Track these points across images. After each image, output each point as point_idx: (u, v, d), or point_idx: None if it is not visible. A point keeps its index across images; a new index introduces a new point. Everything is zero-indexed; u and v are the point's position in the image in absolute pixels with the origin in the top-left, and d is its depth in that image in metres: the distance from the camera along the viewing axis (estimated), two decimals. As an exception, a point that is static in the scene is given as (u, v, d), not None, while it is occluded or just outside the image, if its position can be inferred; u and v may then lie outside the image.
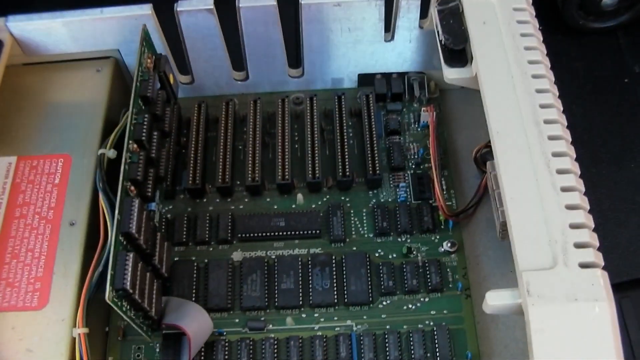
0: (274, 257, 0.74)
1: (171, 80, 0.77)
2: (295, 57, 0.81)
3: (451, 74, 0.71)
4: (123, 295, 0.61)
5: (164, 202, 0.78)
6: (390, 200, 0.77)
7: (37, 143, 0.73)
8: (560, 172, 0.61)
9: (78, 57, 0.78)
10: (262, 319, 0.71)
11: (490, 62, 0.67)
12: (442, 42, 0.71)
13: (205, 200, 0.78)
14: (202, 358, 0.68)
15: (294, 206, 0.77)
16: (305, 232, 0.74)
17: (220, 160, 0.77)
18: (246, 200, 0.78)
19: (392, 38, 0.79)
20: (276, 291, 0.71)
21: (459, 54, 0.71)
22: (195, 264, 0.73)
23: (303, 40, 0.78)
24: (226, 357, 0.68)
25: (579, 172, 0.63)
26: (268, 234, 0.74)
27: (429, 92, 0.82)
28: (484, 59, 0.67)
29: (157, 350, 0.69)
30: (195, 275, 0.72)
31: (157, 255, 0.68)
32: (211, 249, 0.75)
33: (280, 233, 0.74)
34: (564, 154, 0.62)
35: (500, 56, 0.67)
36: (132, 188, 0.67)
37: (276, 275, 0.72)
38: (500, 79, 0.66)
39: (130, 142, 0.67)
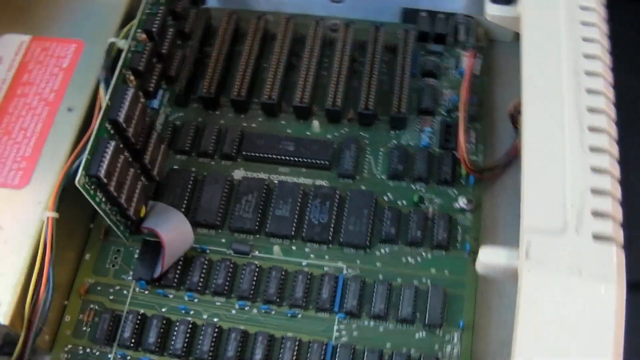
0: (276, 181, 0.69)
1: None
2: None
3: (493, 10, 0.64)
4: (97, 183, 0.58)
5: (175, 107, 0.74)
6: (412, 144, 0.71)
7: (54, 25, 0.70)
8: (592, 129, 0.55)
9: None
10: (250, 243, 0.66)
11: (537, 2, 0.60)
12: (491, -25, 0.65)
13: (218, 112, 0.74)
14: (178, 272, 0.65)
15: (308, 133, 0.72)
16: (314, 160, 0.69)
17: (240, 73, 0.73)
18: (260, 119, 0.73)
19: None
20: (269, 217, 0.67)
21: (502, -11, 0.64)
22: (193, 175, 0.69)
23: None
24: (202, 276, 0.64)
25: (616, 137, 0.56)
26: (274, 156, 0.69)
27: (477, 39, 0.76)
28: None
29: (136, 256, 0.66)
30: (190, 186, 0.68)
31: (149, 155, 0.64)
32: (213, 163, 0.71)
33: (287, 158, 0.69)
34: (600, 111, 0.55)
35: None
36: (132, 78, 0.63)
37: (273, 200, 0.67)
38: (544, 22, 0.59)
39: (139, 30, 0.64)
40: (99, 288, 0.66)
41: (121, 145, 0.61)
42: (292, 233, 0.66)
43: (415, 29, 0.75)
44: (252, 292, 0.63)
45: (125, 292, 0.65)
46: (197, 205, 0.67)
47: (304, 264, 0.65)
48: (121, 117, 0.59)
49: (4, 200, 0.61)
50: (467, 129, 0.67)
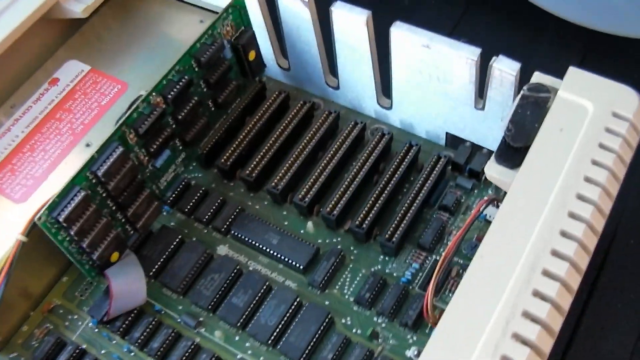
0: (250, 268, 0.70)
1: (250, 57, 0.74)
2: (387, 85, 0.74)
3: (492, 170, 0.59)
4: (57, 225, 0.62)
5: (197, 168, 0.77)
6: (395, 275, 0.68)
7: (113, 62, 0.76)
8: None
9: (194, 2, 0.78)
10: (200, 319, 0.68)
11: (536, 175, 0.55)
12: (504, 131, 0.60)
13: (232, 184, 0.76)
14: (127, 322, 0.67)
15: (302, 231, 0.71)
16: (290, 261, 0.69)
17: (261, 153, 0.74)
18: (265, 202, 0.74)
19: (483, 108, 0.68)
20: (225, 301, 0.67)
21: (514, 152, 0.59)
22: (180, 236, 0.71)
23: (392, 71, 0.71)
24: (145, 334, 0.66)
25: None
26: (257, 244, 0.70)
27: (509, 187, 0.71)
28: (532, 170, 0.56)
29: (102, 293, 0.69)
30: (172, 247, 0.71)
31: (133, 209, 0.67)
32: (205, 231, 0.73)
33: (268, 250, 0.69)
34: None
35: (552, 173, 0.55)
36: (132, 136, 0.66)
37: (235, 287, 0.68)
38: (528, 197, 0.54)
39: (154, 94, 0.67)
40: (61, 311, 0.70)
41: (102, 195, 0.65)
42: (238, 323, 0.66)
43: (448, 156, 0.72)
44: (179, 366, 0.65)
45: (80, 323, 0.69)
46: (169, 268, 0.70)
47: (238, 356, 0.65)
48: (101, 171, 0.63)
49: (1, 208, 0.67)
50: (440, 281, 0.63)
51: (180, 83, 0.68)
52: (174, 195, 0.74)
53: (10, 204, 0.68)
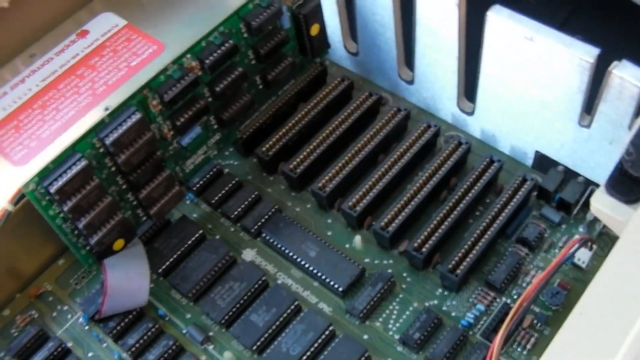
0: (279, 281, 0.58)
1: (313, 31, 0.62)
2: (471, 85, 0.61)
3: (601, 203, 0.46)
4: (48, 197, 0.51)
5: (233, 154, 0.65)
6: (453, 314, 0.55)
7: (153, 19, 0.64)
8: None
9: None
10: (210, 334, 0.56)
11: None
12: (621, 158, 0.47)
13: (271, 179, 0.64)
14: (122, 324, 0.56)
15: (347, 246, 0.59)
16: (328, 280, 0.56)
17: (310, 147, 0.62)
18: (308, 205, 0.62)
19: (589, 125, 0.55)
20: (242, 317, 0.55)
21: (632, 183, 0.46)
22: (201, 231, 0.60)
23: (481, 68, 0.58)
24: (141, 342, 0.55)
25: None
26: (291, 253, 0.58)
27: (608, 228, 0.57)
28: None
29: (98, 286, 0.58)
30: (189, 242, 0.59)
31: (148, 192, 0.56)
32: (232, 230, 0.61)
33: (303, 262, 0.57)
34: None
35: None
36: (156, 103, 0.55)
37: (257, 301, 0.56)
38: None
39: (189, 55, 0.55)
40: (51, 299, 0.59)
41: (111, 168, 0.54)
42: (254, 347, 0.54)
43: (536, 181, 0.59)
44: (175, 388, 0.53)
45: (69, 316, 0.58)
46: (182, 267, 0.58)
47: (248, 387, 0.53)
48: (110, 139, 0.52)
49: None
50: (512, 332, 0.50)
51: (223, 47, 0.56)
52: (200, 183, 0.63)
53: (7, 165, 0.57)
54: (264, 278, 0.57)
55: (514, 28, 0.54)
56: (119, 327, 0.56)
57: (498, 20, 0.54)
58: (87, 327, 0.57)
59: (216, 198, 0.62)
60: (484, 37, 0.56)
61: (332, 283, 0.56)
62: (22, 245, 0.60)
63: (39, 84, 0.62)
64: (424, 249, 0.56)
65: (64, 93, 0.60)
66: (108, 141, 0.52)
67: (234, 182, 0.62)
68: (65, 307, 0.59)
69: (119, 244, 0.57)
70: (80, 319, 0.58)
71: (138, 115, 0.53)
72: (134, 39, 0.63)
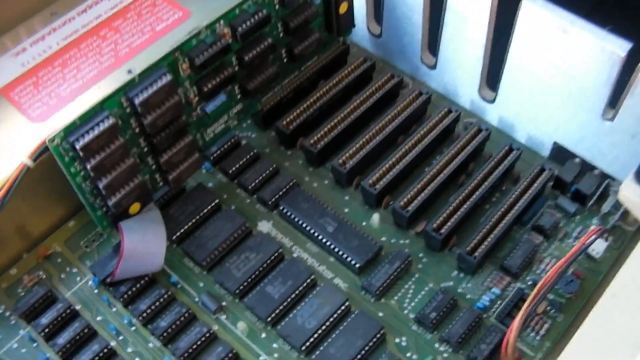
0: (295, 255, 0.57)
1: (341, 9, 0.62)
2: (494, 74, 0.62)
3: (630, 191, 0.47)
4: (72, 153, 0.50)
5: (252, 126, 0.65)
6: (468, 297, 0.55)
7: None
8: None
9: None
10: (223, 303, 0.55)
11: None
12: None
13: (289, 153, 0.63)
14: (133, 290, 0.55)
15: (364, 223, 0.59)
16: (346, 256, 0.56)
17: (331, 124, 0.62)
18: (326, 181, 0.61)
19: (612, 119, 0.56)
20: (257, 288, 0.55)
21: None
22: (217, 200, 0.59)
23: (507, 56, 0.58)
24: (152, 308, 0.54)
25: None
26: (308, 227, 0.58)
27: (624, 220, 0.58)
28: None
29: (111, 249, 0.57)
30: (205, 211, 0.59)
31: (168, 157, 0.55)
32: (248, 201, 0.61)
33: (321, 237, 0.57)
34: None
35: None
36: (185, 66, 0.54)
37: (273, 273, 0.55)
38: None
39: (222, 22, 0.55)
40: (59, 260, 0.58)
41: (135, 130, 0.53)
42: (268, 318, 0.53)
43: (553, 172, 0.59)
44: (187, 354, 0.52)
45: (78, 278, 0.57)
46: (197, 235, 0.57)
47: (261, 358, 0.53)
48: (139, 99, 0.51)
49: (12, 123, 0.55)
50: (528, 316, 0.51)
51: (256, 17, 0.55)
52: (219, 152, 0.62)
53: (26, 121, 0.56)
54: (280, 250, 0.56)
55: (548, 18, 0.54)
56: (130, 292, 0.55)
57: (532, 9, 0.54)
58: (96, 291, 0.57)
59: (233, 169, 0.61)
60: (515, 26, 0.56)
61: (349, 259, 0.56)
62: (33, 203, 0.59)
63: (60, 42, 0.61)
64: (442, 230, 0.56)
65: (85, 53, 0.59)
66: (137, 101, 0.51)
67: (252, 153, 0.62)
68: (74, 270, 0.58)
69: (135, 207, 0.56)
70: (90, 282, 0.57)
71: (169, 77, 0.52)
72: (159, 4, 0.63)
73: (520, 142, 0.64)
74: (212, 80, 0.56)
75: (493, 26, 0.59)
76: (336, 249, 0.56)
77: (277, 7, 0.58)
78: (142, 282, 0.55)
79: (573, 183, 0.59)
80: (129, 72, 0.57)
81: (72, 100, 0.56)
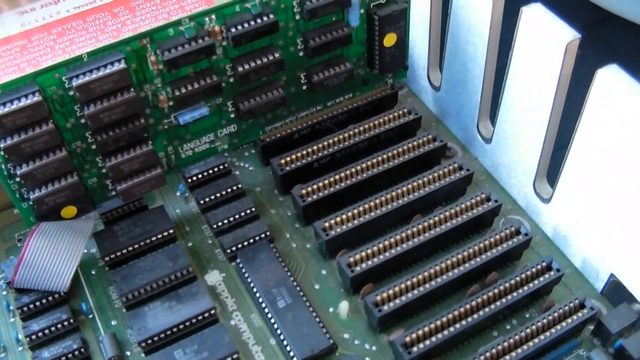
0: (232, 322, 0.46)
1: (387, 42, 0.50)
2: (556, 164, 0.47)
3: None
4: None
5: (252, 158, 0.54)
6: None
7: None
8: None
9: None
10: (127, 353, 0.44)
11: None
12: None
13: (281, 199, 0.52)
14: (36, 304, 0.46)
15: (330, 309, 0.46)
16: (287, 343, 0.43)
17: (336, 176, 0.49)
18: (307, 245, 0.49)
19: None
20: (166, 348, 0.43)
21: None
22: (171, 230, 0.49)
23: (572, 144, 0.43)
24: (46, 331, 0.44)
25: None
26: (258, 294, 0.45)
27: None
28: None
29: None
30: (152, 237, 0.48)
31: (116, 162, 0.45)
32: (209, 242, 0.50)
33: (267, 310, 0.45)
34: None
35: None
36: (153, 59, 0.44)
37: (192, 336, 0.44)
38: None
39: (213, 16, 0.45)
40: (-16, 244, 0.51)
41: (80, 120, 0.44)
42: None
43: (600, 313, 0.43)
44: None
45: (-9, 271, 0.49)
46: (130, 264, 0.47)
47: None
48: (77, 81, 0.42)
49: None
50: None
51: (258, 20, 0.45)
52: (198, 176, 0.52)
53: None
54: (213, 311, 0.45)
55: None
56: (31, 306, 0.46)
57: (611, 79, 0.40)
58: (4, 292, 0.48)
59: (207, 199, 0.50)
60: (588, 97, 0.42)
61: (288, 348, 0.43)
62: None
63: (70, 10, 0.53)
64: (415, 349, 0.42)
65: (87, 27, 0.51)
66: (75, 83, 0.42)
67: (236, 187, 0.51)
68: (-7, 261, 0.50)
69: (69, 210, 0.47)
70: (2, 281, 0.49)
71: (121, 65, 0.42)
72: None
73: (571, 261, 0.48)
74: (190, 85, 0.45)
75: (563, 96, 0.44)
76: (278, 331, 0.44)
77: (296, 17, 0.47)
78: (50, 298, 0.46)
79: (620, 336, 0.43)
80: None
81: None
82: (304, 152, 0.51)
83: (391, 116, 0.53)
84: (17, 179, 0.45)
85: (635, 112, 0.39)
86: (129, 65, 0.44)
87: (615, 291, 0.45)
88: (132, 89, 0.44)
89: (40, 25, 0.52)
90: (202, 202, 0.51)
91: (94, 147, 0.46)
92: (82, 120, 0.45)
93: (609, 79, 0.40)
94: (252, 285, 0.46)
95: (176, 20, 0.44)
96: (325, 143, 0.51)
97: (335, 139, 0.52)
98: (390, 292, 0.44)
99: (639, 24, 0.69)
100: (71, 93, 0.44)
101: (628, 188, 0.42)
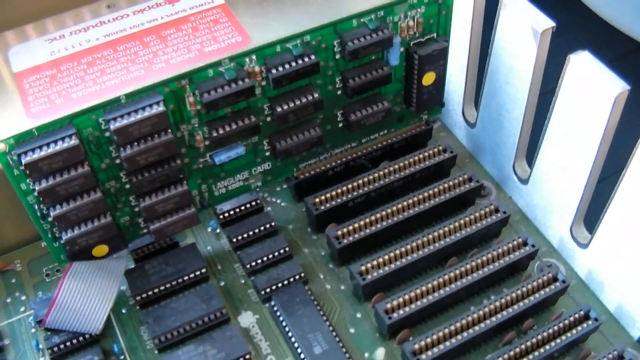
0: (266, 363, 0.45)
1: (426, 80, 0.49)
2: (596, 211, 0.46)
3: None
4: (21, 165, 0.41)
5: (283, 193, 0.53)
6: None
7: (256, 7, 0.53)
8: None
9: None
10: (158, 399, 0.44)
11: None
12: None
13: (314, 237, 0.51)
14: (67, 345, 0.45)
15: (365, 354, 0.45)
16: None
17: (371, 217, 0.49)
18: (342, 287, 0.48)
19: None
20: None
21: None
22: (204, 269, 0.48)
23: (616, 194, 0.43)
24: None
25: None
26: (293, 339, 0.45)
27: None
28: None
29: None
30: (184, 277, 0.48)
31: (150, 203, 0.44)
32: (242, 282, 0.49)
33: (302, 356, 0.44)
34: None
35: None
36: (192, 100, 0.43)
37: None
38: None
39: (253, 56, 0.44)
40: (13, 281, 0.50)
41: (115, 160, 0.43)
42: None
43: (638, 369, 0.43)
44: None
45: (22, 309, 0.49)
46: (163, 305, 0.46)
47: None
48: (116, 125, 0.41)
49: (7, 114, 0.47)
50: None
51: (300, 62, 0.44)
52: (231, 213, 0.51)
53: (22, 115, 0.47)
54: (248, 356, 0.44)
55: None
56: (62, 346, 0.45)
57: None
58: (33, 330, 0.47)
59: (240, 237, 0.50)
60: (634, 153, 0.41)
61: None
62: (8, 206, 0.50)
63: (100, 38, 0.52)
64: (455, 401, 0.41)
65: (118, 57, 0.50)
66: (113, 126, 0.41)
67: (269, 225, 0.50)
68: (23, 298, 0.49)
69: (101, 249, 0.46)
70: (31, 318, 0.48)
71: (161, 108, 0.42)
72: (223, 22, 0.53)
73: (607, 307, 0.48)
74: (227, 126, 0.45)
75: (607, 146, 0.43)
76: (309, 376, 0.44)
77: (337, 56, 0.46)
78: (81, 338, 0.46)
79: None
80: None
81: (79, 105, 0.47)
82: (339, 190, 0.50)
83: (426, 154, 0.52)
84: (50, 219, 0.44)
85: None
86: (167, 106, 0.44)
87: (654, 343, 0.45)
88: (170, 131, 0.43)
89: (70, 53, 0.51)
90: (234, 240, 0.50)
91: (127, 186, 0.46)
92: (117, 161, 0.44)
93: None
94: (287, 329, 0.45)
95: (216, 61, 0.44)
96: (360, 182, 0.51)
97: (370, 177, 0.51)
98: (428, 340, 0.43)
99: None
100: (107, 134, 0.43)
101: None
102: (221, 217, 0.51)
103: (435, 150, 0.53)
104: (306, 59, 0.44)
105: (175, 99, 0.44)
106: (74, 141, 0.41)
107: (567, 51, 0.43)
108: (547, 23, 0.44)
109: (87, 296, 0.44)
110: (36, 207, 0.44)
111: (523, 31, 0.45)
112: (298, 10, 0.50)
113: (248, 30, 0.51)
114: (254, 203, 0.51)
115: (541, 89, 0.48)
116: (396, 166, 0.52)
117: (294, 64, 0.44)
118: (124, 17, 0.54)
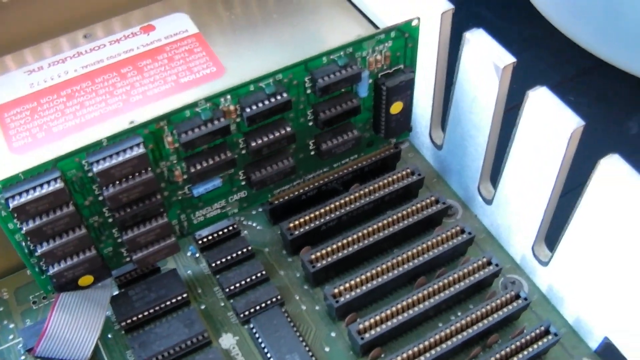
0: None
1: (394, 109, 0.51)
2: (556, 231, 0.49)
3: None
4: (8, 209, 0.43)
5: (259, 216, 0.56)
6: None
7: (229, 38, 0.55)
8: None
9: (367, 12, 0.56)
10: (145, 422, 0.46)
11: None
12: None
13: (290, 260, 0.54)
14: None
15: (341, 373, 0.48)
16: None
17: (344, 241, 0.51)
18: (317, 307, 0.51)
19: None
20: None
21: None
22: (185, 294, 0.50)
23: (575, 214, 0.46)
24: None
25: None
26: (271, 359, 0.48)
27: None
28: None
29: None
30: (166, 302, 0.50)
31: (133, 235, 0.46)
32: (222, 305, 0.51)
33: (281, 376, 0.47)
34: None
35: None
36: (171, 140, 0.46)
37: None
38: None
39: (228, 96, 0.46)
40: (1, 309, 0.52)
41: (99, 197, 0.45)
42: None
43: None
44: None
45: (10, 337, 0.51)
46: (147, 330, 0.49)
47: None
48: (99, 168, 0.43)
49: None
50: None
51: (272, 100, 0.46)
52: (209, 238, 0.53)
53: (5, 149, 0.49)
54: (229, 378, 0.47)
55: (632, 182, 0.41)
56: (55, 373, 0.48)
57: (612, 169, 0.42)
58: (22, 358, 0.49)
59: (218, 262, 0.52)
60: (590, 181, 0.44)
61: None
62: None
63: (78, 69, 0.54)
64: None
65: (97, 89, 0.52)
66: (96, 169, 0.43)
67: (246, 250, 0.53)
68: (11, 326, 0.51)
69: (86, 279, 0.48)
70: (19, 346, 0.50)
71: (141, 150, 0.44)
72: (197, 52, 0.55)
73: (566, 320, 0.51)
74: (205, 162, 0.47)
75: (565, 174, 0.46)
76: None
77: (307, 91, 0.49)
78: (69, 366, 0.48)
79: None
80: (131, 122, 0.49)
81: (60, 139, 0.49)
82: (312, 215, 0.53)
83: (395, 177, 0.55)
84: (37, 254, 0.46)
85: (634, 199, 0.41)
86: (147, 146, 0.46)
87: (608, 353, 0.48)
88: (150, 169, 0.45)
89: (49, 86, 0.53)
90: (213, 264, 0.52)
91: (110, 220, 0.48)
92: (100, 198, 0.46)
93: (611, 169, 0.42)
94: (265, 351, 0.48)
95: (193, 102, 0.46)
96: (332, 206, 0.53)
97: (342, 201, 0.53)
98: (399, 358, 0.46)
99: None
100: (90, 175, 0.45)
101: (624, 258, 0.44)
102: (200, 242, 0.53)
103: (404, 173, 0.55)
104: (279, 97, 0.47)
105: (154, 139, 0.46)
106: (59, 184, 0.43)
107: (531, 66, 0.46)
108: (508, 59, 0.47)
109: (75, 326, 0.47)
110: (23, 244, 0.46)
111: (485, 66, 0.48)
112: (271, 39, 0.53)
113: (222, 59, 0.53)
114: (231, 228, 0.54)
115: (506, 105, 0.51)
116: (366, 189, 0.54)
117: (267, 102, 0.46)
118: (101, 48, 0.55)
